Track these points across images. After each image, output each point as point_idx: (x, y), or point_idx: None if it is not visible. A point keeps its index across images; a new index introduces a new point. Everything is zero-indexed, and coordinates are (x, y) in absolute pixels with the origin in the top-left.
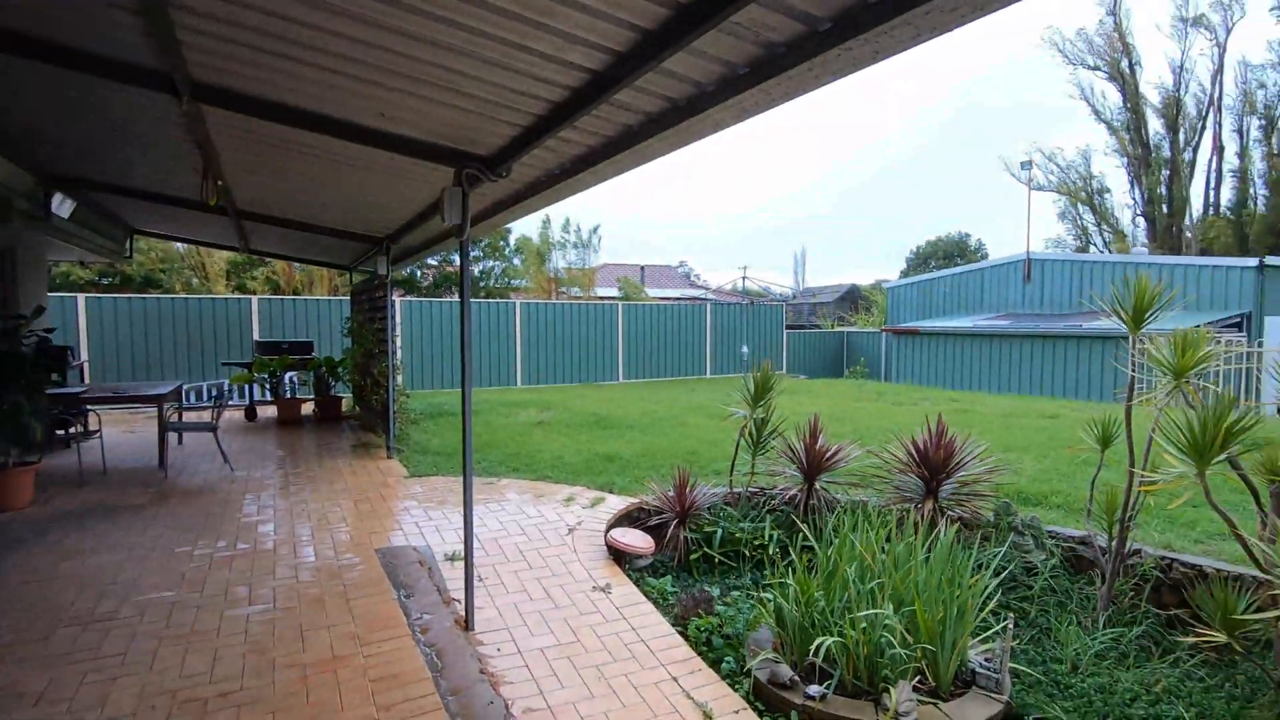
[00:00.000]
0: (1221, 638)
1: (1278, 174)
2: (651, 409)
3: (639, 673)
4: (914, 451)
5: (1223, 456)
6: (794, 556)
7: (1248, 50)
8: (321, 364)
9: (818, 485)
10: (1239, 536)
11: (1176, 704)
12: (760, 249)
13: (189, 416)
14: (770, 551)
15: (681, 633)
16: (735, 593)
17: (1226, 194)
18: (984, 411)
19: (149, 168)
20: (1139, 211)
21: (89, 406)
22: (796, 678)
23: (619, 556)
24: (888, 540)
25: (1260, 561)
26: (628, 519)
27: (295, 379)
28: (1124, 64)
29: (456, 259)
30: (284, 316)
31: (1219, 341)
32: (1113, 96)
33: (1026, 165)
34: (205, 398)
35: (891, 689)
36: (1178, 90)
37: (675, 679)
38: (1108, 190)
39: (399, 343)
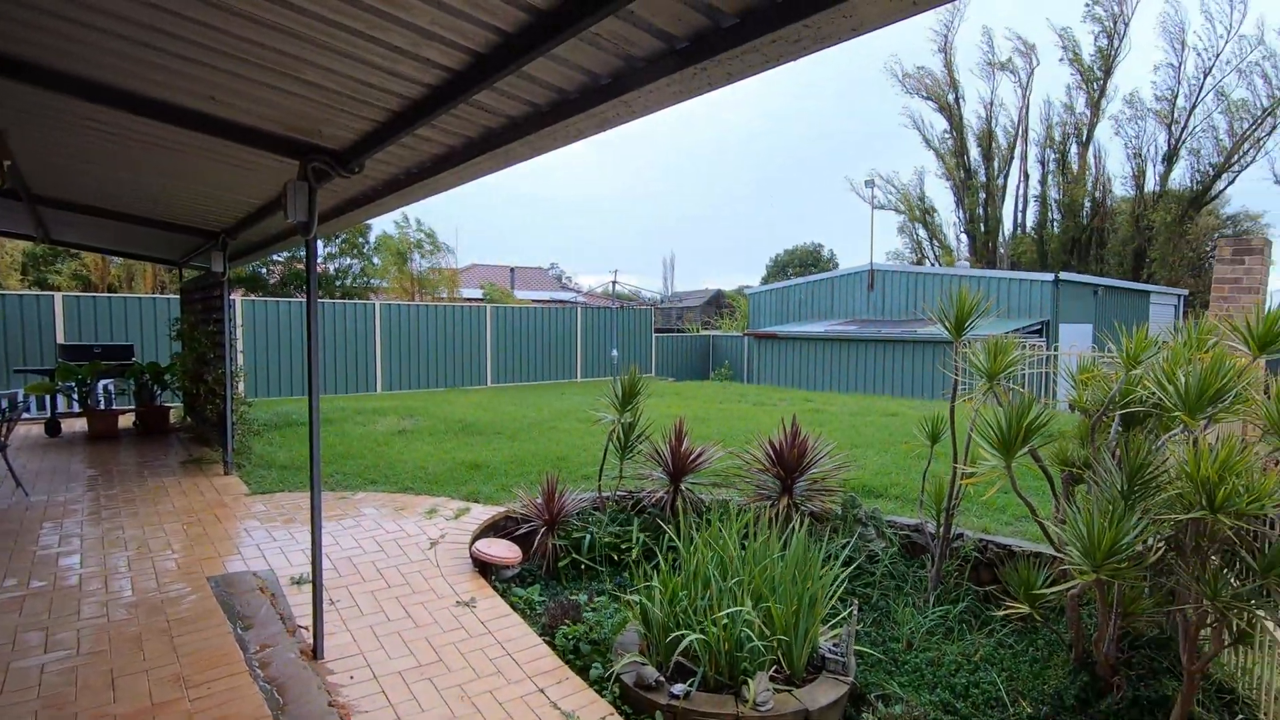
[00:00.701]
0: (1025, 609)
1: (1069, 200)
2: (521, 414)
3: (505, 688)
4: (771, 452)
5: (1025, 450)
6: (660, 558)
7: (1051, 90)
8: (144, 370)
9: (683, 487)
10: (1037, 519)
11: (991, 670)
12: (631, 253)
13: None
14: (636, 555)
15: (549, 642)
16: (602, 597)
17: (1031, 216)
18: (835, 411)
19: None
20: (962, 229)
21: None
22: (662, 678)
23: (485, 568)
24: (747, 537)
25: (1054, 540)
26: (494, 529)
27: (112, 387)
28: (950, 97)
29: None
30: (97, 317)
31: (1024, 347)
32: (940, 125)
33: (869, 184)
34: None
35: (750, 681)
36: (989, 123)
37: (542, 690)
38: (937, 209)
39: (239, 346)
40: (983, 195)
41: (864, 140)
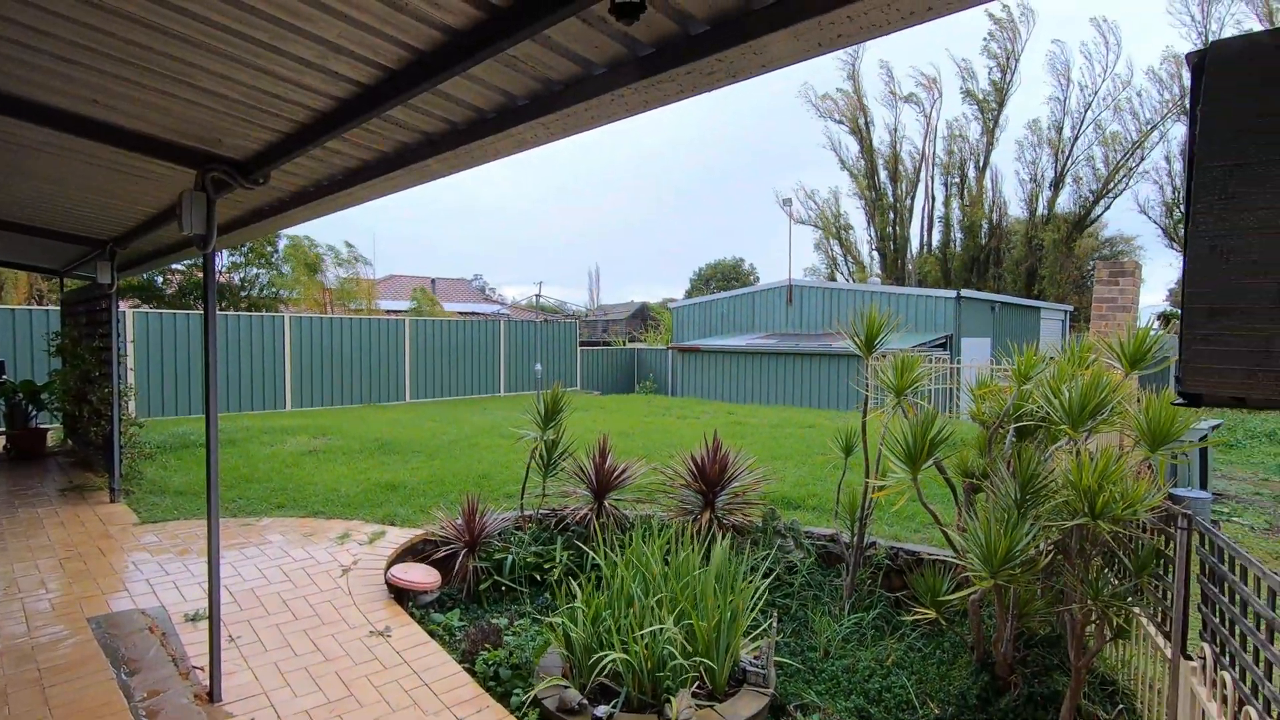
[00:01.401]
0: (931, 614)
1: (969, 221)
2: (441, 431)
3: None
4: (693, 467)
5: (930, 462)
6: (582, 577)
7: (953, 114)
8: (17, 389)
9: (607, 503)
10: (941, 528)
11: (902, 674)
12: (556, 264)
13: None
14: (558, 575)
15: (469, 669)
16: (524, 620)
17: (935, 236)
18: (756, 423)
19: None
20: (874, 247)
21: None
22: (584, 701)
23: (401, 595)
24: (670, 553)
25: (956, 548)
26: (411, 553)
27: None
28: (861, 121)
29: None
30: None
31: (930, 360)
32: (854, 148)
33: (788, 202)
34: None
35: (673, 698)
36: (895, 148)
37: None
38: (852, 226)
39: (130, 363)
40: (892, 215)
41: (789, 154)
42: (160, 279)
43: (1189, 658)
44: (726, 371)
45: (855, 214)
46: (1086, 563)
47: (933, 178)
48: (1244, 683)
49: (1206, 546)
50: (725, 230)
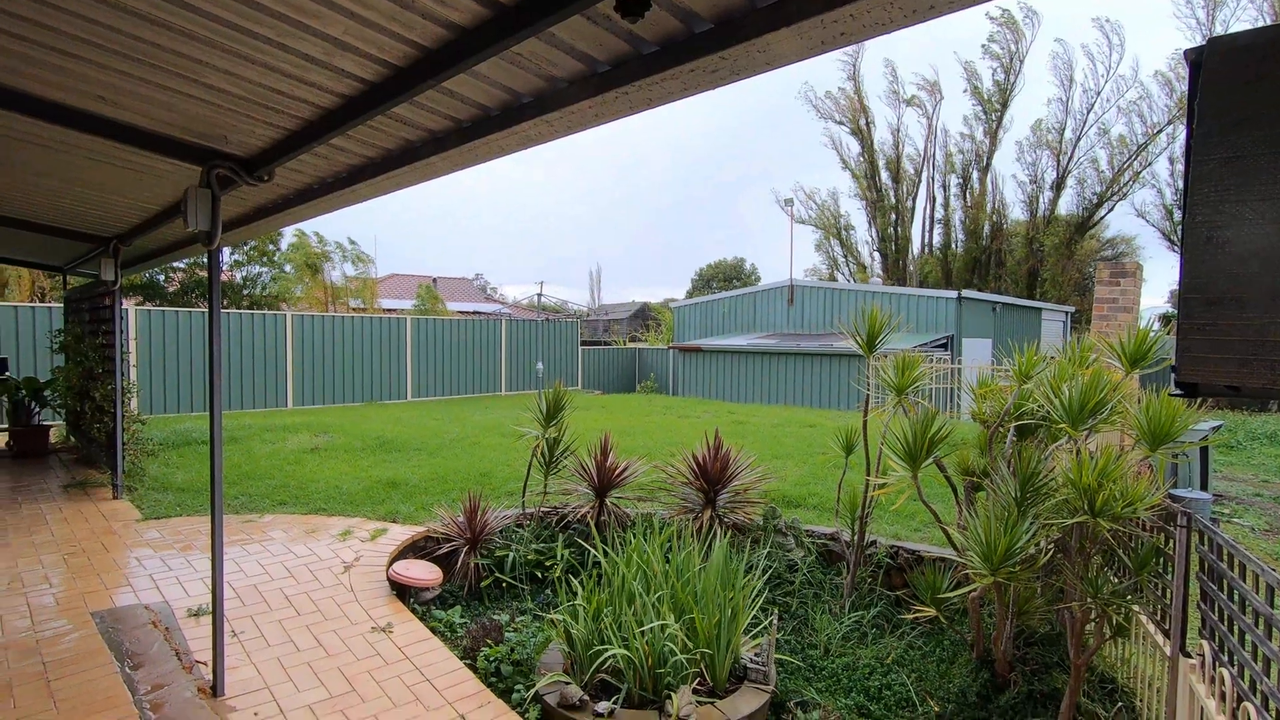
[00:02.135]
0: (931, 612)
1: (971, 222)
2: (443, 429)
3: (423, 715)
4: (695, 465)
5: (930, 460)
6: (584, 575)
7: (956, 114)
8: (20, 386)
9: (609, 501)
10: (941, 526)
11: (902, 672)
12: (558, 264)
13: None
14: (559, 572)
15: (470, 665)
16: (525, 616)
17: (936, 237)
18: (757, 423)
19: None
20: (875, 248)
21: None
22: (585, 697)
23: (403, 591)
24: (671, 551)
25: (956, 546)
26: (413, 550)
27: None
28: (862, 122)
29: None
30: None
31: (930, 360)
32: (855, 148)
33: (789, 202)
34: None
35: (674, 694)
36: (897, 149)
37: (463, 716)
38: (853, 227)
39: (133, 360)
40: (893, 216)
41: (790, 154)
42: (162, 277)
43: (1188, 655)
44: (728, 371)
45: (857, 214)
46: (1086, 561)
47: (934, 179)
48: (1242, 679)
49: (1206, 545)
50: (726, 231)
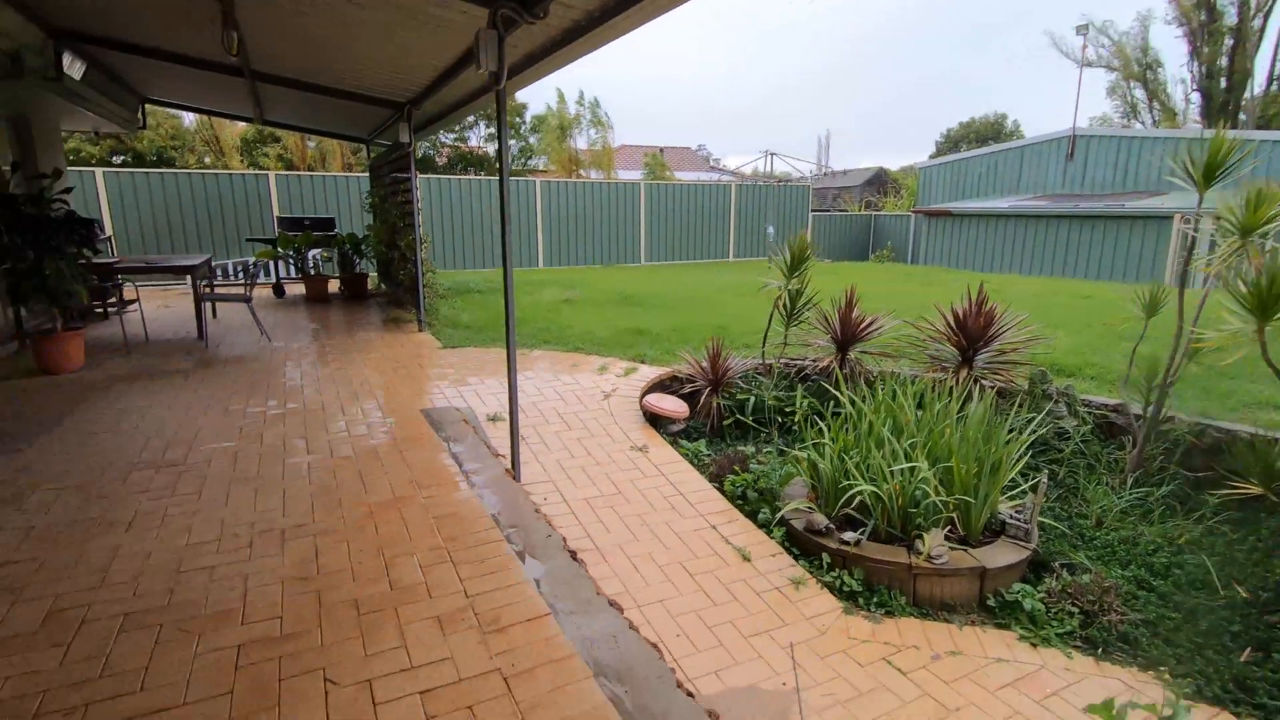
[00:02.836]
0: (1257, 489)
1: None
2: (677, 288)
3: (678, 521)
4: (952, 320)
5: None
6: (825, 422)
7: None
8: (345, 241)
9: (851, 355)
10: None
11: (1199, 554)
12: (782, 133)
13: (220, 291)
14: (799, 418)
15: (717, 489)
16: (769, 450)
17: None
18: (1016, 292)
19: (161, 21)
20: (1195, 86)
21: (123, 277)
22: (831, 525)
23: (654, 420)
24: (921, 406)
25: None
26: (661, 387)
27: (319, 257)
28: None
29: (472, 138)
30: (302, 193)
31: None
32: None
33: (1083, 30)
34: (232, 275)
35: (925, 535)
36: None
37: (714, 527)
38: (1161, 64)
39: (421, 218)
40: (1229, 42)
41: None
42: (432, 151)
43: None
44: (980, 238)
45: (1169, 48)
46: None
47: None
48: None
49: None
50: (977, 87)
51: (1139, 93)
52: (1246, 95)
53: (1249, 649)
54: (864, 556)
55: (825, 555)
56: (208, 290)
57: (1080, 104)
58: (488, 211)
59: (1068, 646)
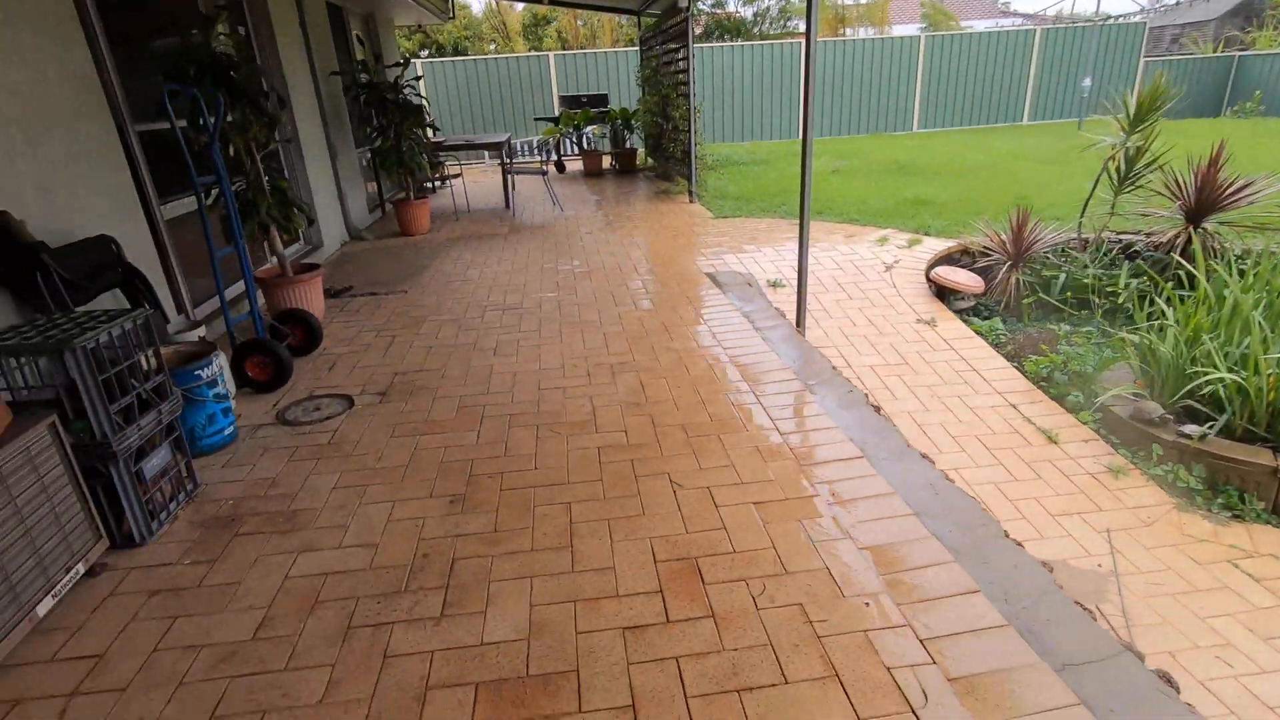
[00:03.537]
0: None
1: None
2: (960, 156)
3: (972, 396)
4: None
5: None
6: (1159, 305)
7: None
8: (618, 116)
9: (1207, 227)
10: None
11: None
12: None
13: (519, 166)
14: (1124, 299)
15: (1016, 368)
16: (1088, 330)
17: None
18: None
19: None
20: None
21: (445, 154)
22: (1167, 415)
23: (941, 294)
24: None
25: None
26: (948, 260)
27: (591, 134)
28: None
29: (730, 2)
30: (578, 72)
31: None
32: None
33: None
34: (523, 153)
35: None
36: None
37: (1014, 406)
38: None
39: (695, 88)
40: None
41: None
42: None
43: None
44: None
45: None
46: None
47: None
48: None
49: None
50: None
51: None
52: None
53: None
54: (1209, 453)
55: (1156, 447)
56: (510, 166)
57: None
58: (749, 81)
59: None
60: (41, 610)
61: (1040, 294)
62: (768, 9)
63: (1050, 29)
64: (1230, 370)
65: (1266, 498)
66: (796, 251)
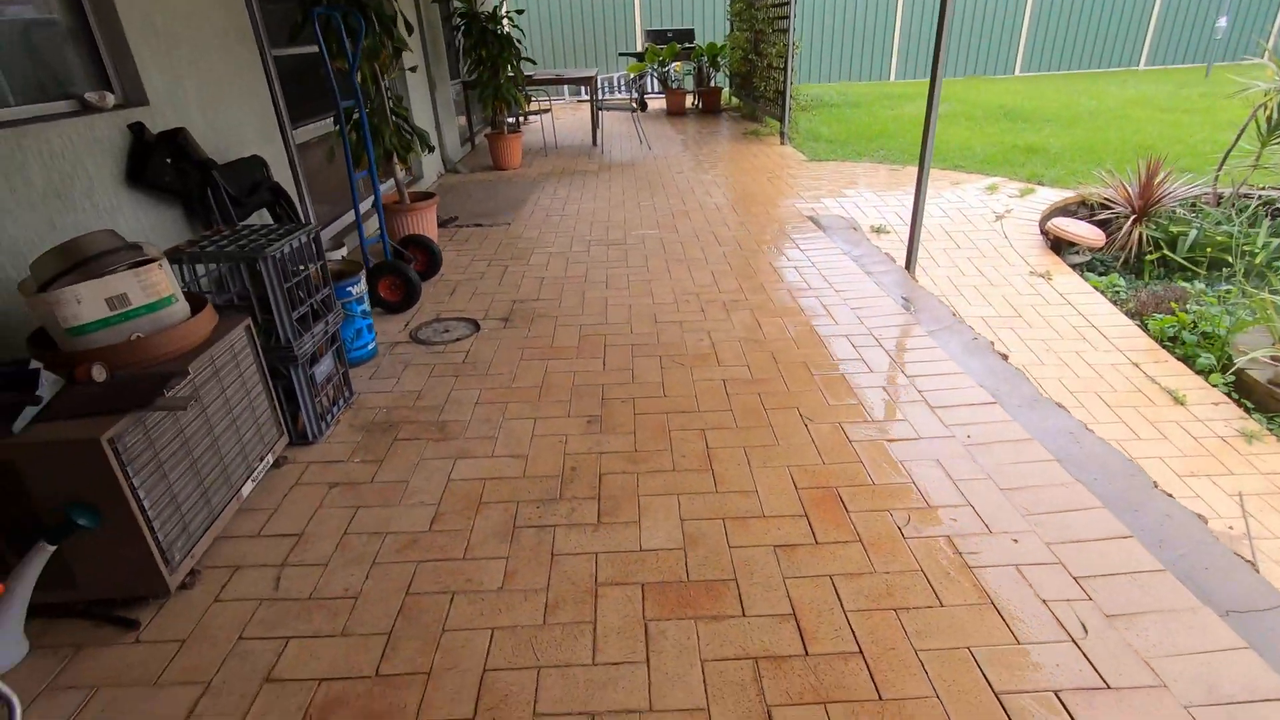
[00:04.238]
0: None
1: None
2: (1072, 102)
3: (1090, 352)
4: None
5: None
6: None
7: None
8: (704, 52)
9: None
10: None
11: None
12: None
13: (607, 102)
14: (1263, 259)
15: (1139, 326)
16: (1225, 290)
17: None
18: None
19: None
20: None
21: (535, 89)
22: None
23: (1057, 247)
24: None
25: None
26: (1063, 212)
27: (674, 70)
28: None
29: None
30: (661, 6)
31: None
32: None
33: None
34: (604, 89)
35: None
36: None
37: (1136, 365)
38: None
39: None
40: None
41: None
42: None
43: None
44: None
45: None
46: None
47: None
48: None
49: None
50: None
51: None
52: None
53: None
54: None
55: None
56: (601, 102)
57: None
58: (840, 20)
59: None
60: (245, 491)
61: (1166, 251)
62: None
63: None
64: None
65: None
66: (899, 197)
